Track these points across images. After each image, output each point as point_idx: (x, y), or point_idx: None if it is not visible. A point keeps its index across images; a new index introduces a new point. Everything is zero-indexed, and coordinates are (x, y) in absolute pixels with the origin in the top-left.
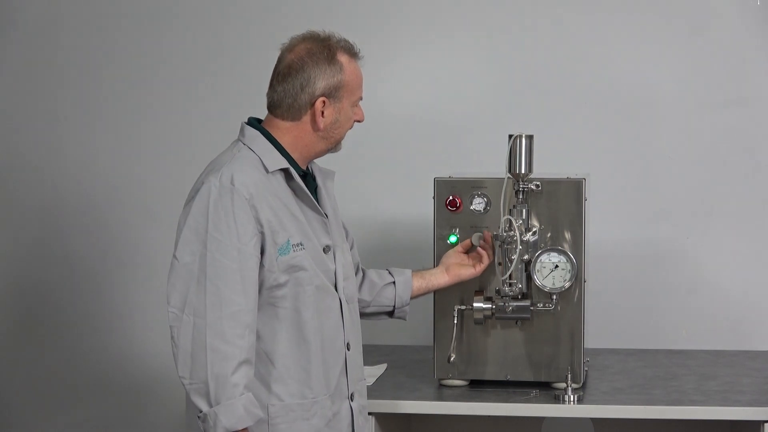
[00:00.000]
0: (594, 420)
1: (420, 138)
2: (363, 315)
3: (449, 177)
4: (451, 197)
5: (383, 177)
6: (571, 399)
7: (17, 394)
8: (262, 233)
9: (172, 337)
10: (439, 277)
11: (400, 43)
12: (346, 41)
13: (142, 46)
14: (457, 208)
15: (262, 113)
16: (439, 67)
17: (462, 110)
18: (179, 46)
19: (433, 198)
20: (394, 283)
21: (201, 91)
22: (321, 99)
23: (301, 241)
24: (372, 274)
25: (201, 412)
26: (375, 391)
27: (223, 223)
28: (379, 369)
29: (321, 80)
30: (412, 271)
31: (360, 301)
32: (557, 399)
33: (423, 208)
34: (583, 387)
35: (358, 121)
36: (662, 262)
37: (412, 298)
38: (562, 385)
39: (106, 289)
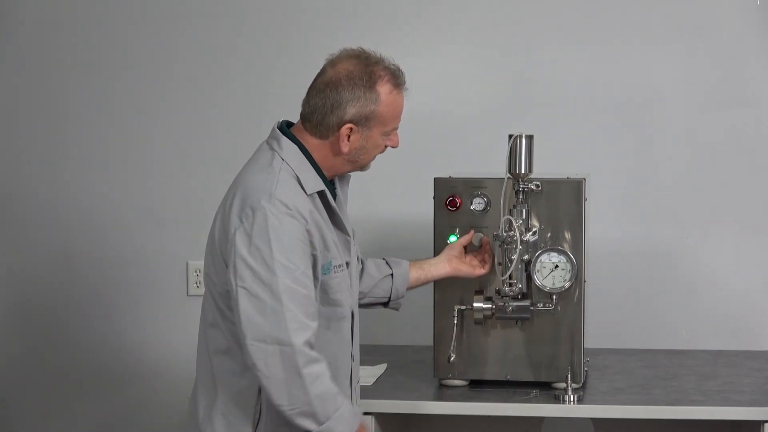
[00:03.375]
0: (594, 420)
1: (420, 138)
2: (359, 305)
3: (449, 177)
4: (451, 197)
5: (383, 177)
6: (571, 399)
7: (18, 392)
8: (314, 256)
9: (259, 369)
10: (440, 267)
11: (400, 43)
12: (395, 69)
13: (149, 47)
14: (457, 207)
15: (270, 117)
16: (439, 67)
17: (462, 110)
18: (187, 47)
19: (433, 198)
20: (392, 275)
21: (207, 94)
22: (348, 125)
23: (341, 262)
24: (371, 266)
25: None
26: (375, 391)
27: (288, 249)
28: (379, 369)
29: (352, 107)
30: (411, 261)
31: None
32: (557, 399)
33: (423, 208)
34: (583, 387)
35: (392, 147)
36: (662, 262)
37: (408, 288)
38: (562, 385)
39: (109, 288)
